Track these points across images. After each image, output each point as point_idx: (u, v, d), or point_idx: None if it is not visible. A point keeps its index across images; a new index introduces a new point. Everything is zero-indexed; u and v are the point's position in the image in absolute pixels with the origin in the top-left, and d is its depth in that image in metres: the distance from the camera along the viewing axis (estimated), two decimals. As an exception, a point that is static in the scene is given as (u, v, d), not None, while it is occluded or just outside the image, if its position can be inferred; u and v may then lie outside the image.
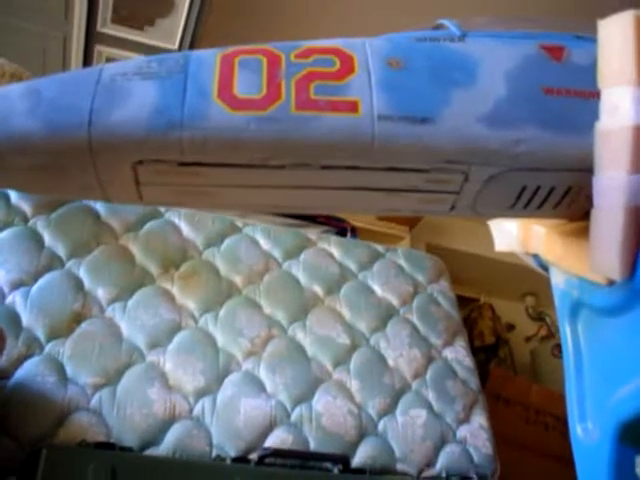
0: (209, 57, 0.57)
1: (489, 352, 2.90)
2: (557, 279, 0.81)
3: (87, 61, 1.96)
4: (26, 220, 1.47)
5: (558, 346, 2.97)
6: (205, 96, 0.54)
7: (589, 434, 0.71)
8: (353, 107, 0.55)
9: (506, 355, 2.97)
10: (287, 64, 0.57)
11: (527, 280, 3.10)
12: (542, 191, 0.62)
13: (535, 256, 0.84)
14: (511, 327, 3.25)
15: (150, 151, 0.53)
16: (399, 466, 1.41)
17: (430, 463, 1.44)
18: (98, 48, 1.96)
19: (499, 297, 3.24)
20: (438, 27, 0.65)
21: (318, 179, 0.56)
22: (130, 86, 0.54)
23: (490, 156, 0.56)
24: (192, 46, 2.00)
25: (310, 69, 0.56)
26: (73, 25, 1.88)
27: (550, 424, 2.12)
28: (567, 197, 0.63)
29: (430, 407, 1.52)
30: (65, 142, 0.53)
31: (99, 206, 1.56)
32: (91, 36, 1.92)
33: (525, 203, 0.64)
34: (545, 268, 0.85)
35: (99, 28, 1.91)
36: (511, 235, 0.83)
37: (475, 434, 1.51)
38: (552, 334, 3.21)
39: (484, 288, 3.13)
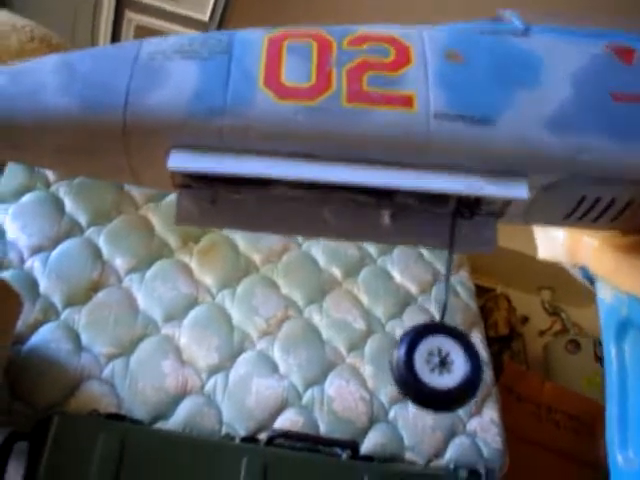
0: (255, 39, 0.53)
1: (502, 343, 2.87)
2: (604, 294, 0.77)
3: (116, 28, 1.94)
4: (48, 185, 1.46)
5: (572, 342, 2.94)
6: (250, 82, 0.51)
7: (631, 463, 0.68)
8: (408, 102, 0.51)
9: (519, 348, 2.94)
10: (339, 51, 0.53)
11: (545, 274, 3.07)
12: (601, 203, 0.57)
13: (582, 268, 0.80)
14: (525, 320, 3.22)
15: (187, 137, 0.50)
16: (408, 455, 1.40)
17: (439, 454, 1.43)
18: (128, 15, 1.93)
19: (515, 289, 3.20)
20: (498, 19, 0.61)
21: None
22: (170, 66, 0.51)
23: (551, 163, 0.52)
24: (223, 17, 1.96)
25: (363, 58, 0.52)
26: (104, -11, 1.85)
27: (561, 422, 2.11)
28: (627, 210, 0.59)
29: (442, 398, 1.50)
30: (98, 122, 0.50)
31: (122, 176, 1.55)
32: (122, 2, 1.89)
33: (581, 214, 0.59)
34: (592, 281, 0.81)
35: (130, -6, 1.89)
36: (558, 244, 0.79)
37: (486, 428, 1.50)
38: (566, 329, 3.17)
39: (501, 279, 3.10)
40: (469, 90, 0.52)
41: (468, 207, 0.54)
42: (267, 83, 0.50)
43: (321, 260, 1.66)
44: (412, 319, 1.62)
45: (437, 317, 1.62)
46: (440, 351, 0.52)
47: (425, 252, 1.82)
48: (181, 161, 0.49)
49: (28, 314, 1.25)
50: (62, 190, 1.46)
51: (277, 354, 1.42)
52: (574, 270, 0.82)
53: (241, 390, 1.33)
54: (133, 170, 0.53)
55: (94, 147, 0.52)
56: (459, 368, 0.52)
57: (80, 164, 0.56)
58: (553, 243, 0.80)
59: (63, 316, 1.29)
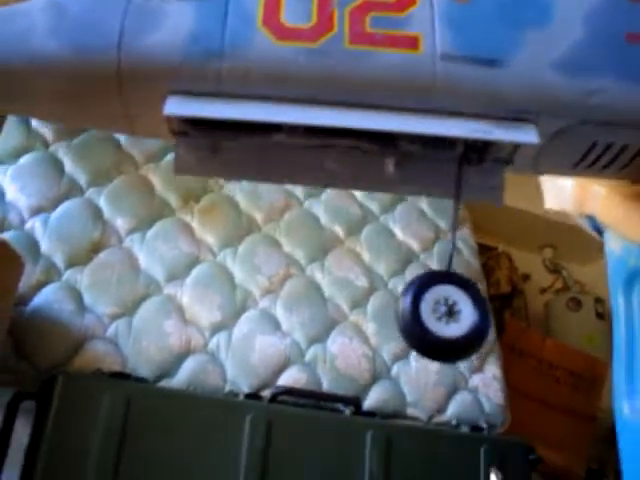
0: None
1: (504, 301, 2.88)
2: (613, 245, 0.76)
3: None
4: (47, 145, 1.45)
5: (573, 299, 2.95)
6: (249, 23, 0.49)
7: (638, 413, 0.68)
8: (413, 43, 0.49)
9: (520, 306, 2.95)
10: None
11: (546, 232, 3.07)
12: (613, 149, 0.56)
13: (590, 218, 0.78)
14: (526, 277, 3.23)
15: (184, 81, 0.48)
16: (410, 411, 1.41)
17: (441, 409, 1.44)
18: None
19: (517, 247, 3.20)
20: None
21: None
22: (166, 7, 0.49)
23: (562, 107, 0.50)
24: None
25: None
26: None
27: (562, 378, 2.12)
28: (638, 158, 0.57)
29: (445, 354, 1.51)
30: (91, 66, 0.48)
31: (121, 134, 1.53)
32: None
33: (591, 162, 0.58)
34: (600, 232, 0.80)
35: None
36: (565, 193, 0.78)
37: (488, 383, 1.51)
38: (568, 287, 3.18)
39: (503, 237, 3.09)
40: (477, 30, 0.51)
41: (475, 153, 0.53)
42: (266, 23, 0.49)
43: (323, 218, 1.65)
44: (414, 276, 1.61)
45: (439, 274, 1.62)
46: (447, 300, 0.52)
47: (427, 209, 1.81)
48: (178, 106, 0.48)
49: (30, 275, 1.24)
50: (61, 150, 1.45)
51: (280, 312, 1.42)
52: (581, 220, 0.81)
53: (244, 348, 1.33)
54: (128, 117, 0.51)
55: (87, 92, 0.50)
56: (466, 317, 0.51)
57: (74, 112, 0.54)
58: (561, 193, 0.79)
59: (65, 277, 1.29)
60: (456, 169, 0.53)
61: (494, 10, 0.51)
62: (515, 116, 0.50)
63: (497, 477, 1.25)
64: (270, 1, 0.50)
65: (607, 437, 2.67)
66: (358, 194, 1.75)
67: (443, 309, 0.52)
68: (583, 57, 0.50)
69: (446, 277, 0.54)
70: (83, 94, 0.50)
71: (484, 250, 2.95)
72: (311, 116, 0.48)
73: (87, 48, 0.48)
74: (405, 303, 0.52)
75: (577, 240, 3.02)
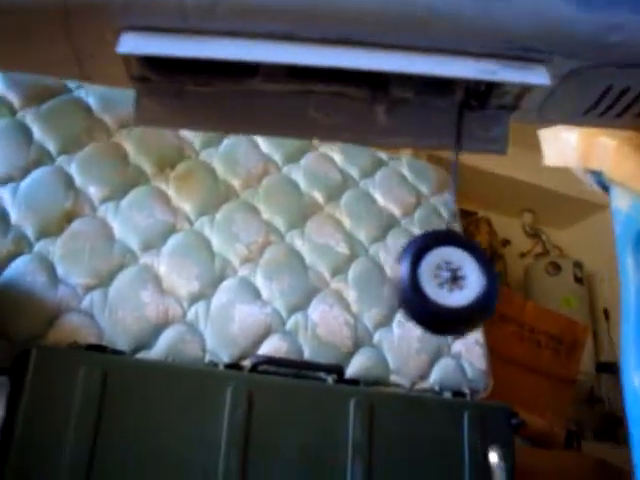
0: None
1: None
2: (620, 202, 0.72)
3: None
4: (13, 112, 1.39)
5: (552, 264, 2.96)
6: None
7: None
8: None
9: (500, 270, 2.96)
10: None
11: (526, 196, 3.06)
12: (629, 95, 0.51)
13: (595, 174, 0.74)
14: (506, 242, 3.23)
15: (141, 14, 0.42)
16: (393, 378, 1.40)
17: (424, 376, 1.44)
18: None
19: (496, 212, 3.20)
20: None
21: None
22: None
23: (578, 44, 0.45)
24: None
25: None
26: None
27: (543, 342, 2.13)
28: None
29: (427, 320, 1.49)
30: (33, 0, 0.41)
31: (91, 99, 1.48)
32: None
33: (604, 109, 0.53)
34: (605, 188, 0.75)
35: None
36: (569, 147, 0.73)
37: (470, 349, 1.50)
38: (547, 251, 3.19)
39: (482, 202, 3.08)
40: None
41: (477, 98, 0.48)
42: None
43: (302, 184, 1.62)
44: (396, 242, 1.60)
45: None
46: (449, 264, 0.47)
47: (408, 174, 1.79)
48: (135, 44, 0.41)
49: (0, 247, 1.20)
50: (29, 117, 1.39)
51: (259, 280, 1.40)
52: (585, 176, 0.77)
53: (224, 317, 1.31)
54: (80, 59, 0.45)
55: (30, 30, 0.44)
56: (472, 283, 0.46)
57: (19, 53, 0.48)
58: (563, 147, 0.74)
59: (37, 248, 1.25)
60: (455, 117, 0.49)
61: None
62: (523, 55, 0.45)
63: (497, 456, 1.24)
64: None
65: (585, 399, 2.72)
66: (337, 158, 1.72)
67: (446, 275, 0.47)
68: None
69: (448, 238, 0.49)
70: (25, 32, 0.44)
71: (464, 215, 2.94)
72: (289, 54, 0.42)
73: None
74: (402, 268, 0.46)
75: (556, 204, 3.03)
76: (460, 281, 0.46)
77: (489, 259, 0.48)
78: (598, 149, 0.69)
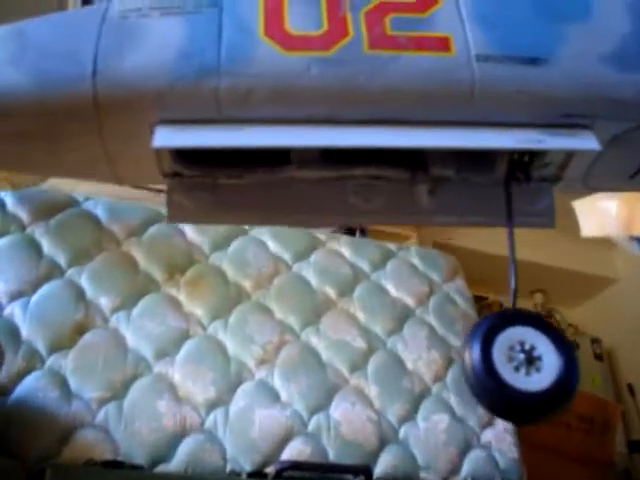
0: None
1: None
2: None
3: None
4: (23, 228, 1.40)
5: (570, 343, 2.90)
6: (248, 33, 0.42)
7: None
8: (443, 45, 0.43)
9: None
10: None
11: (536, 277, 3.03)
12: None
13: (639, 240, 0.72)
14: (521, 325, 3.18)
15: (175, 107, 0.41)
16: (423, 474, 1.34)
17: (455, 470, 1.37)
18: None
19: (507, 295, 3.16)
20: None
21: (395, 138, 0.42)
22: (147, 23, 0.42)
23: (621, 106, 0.45)
24: None
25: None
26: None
27: (573, 424, 2.06)
28: None
29: (452, 411, 1.45)
30: (60, 98, 0.41)
31: (99, 210, 1.50)
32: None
33: None
34: None
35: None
36: (608, 216, 0.72)
37: (500, 438, 1.45)
38: (562, 330, 3.14)
39: (492, 286, 3.05)
40: (512, 28, 0.45)
41: (521, 171, 0.47)
42: (269, 32, 0.42)
43: (313, 280, 1.61)
44: (413, 333, 1.57)
45: (437, 328, 1.57)
46: (523, 345, 0.44)
47: (418, 263, 1.78)
48: (169, 137, 0.40)
49: (11, 364, 1.18)
50: (38, 231, 1.40)
51: (277, 382, 1.36)
52: (630, 243, 0.75)
53: (243, 423, 1.26)
54: (110, 158, 0.44)
55: (59, 131, 0.43)
56: (550, 364, 0.43)
57: (45, 156, 0.47)
58: (602, 216, 0.73)
59: (49, 362, 1.23)
60: (500, 192, 0.48)
61: (527, 6, 0.46)
62: (566, 122, 0.45)
63: None
64: (271, 8, 0.43)
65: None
66: (346, 253, 1.72)
67: (521, 357, 0.44)
68: (636, 49, 0.45)
69: (518, 317, 0.46)
70: (53, 134, 0.43)
71: (475, 301, 2.91)
72: (329, 137, 0.41)
73: (54, 77, 0.41)
74: (473, 353, 0.44)
75: (567, 282, 3.01)
76: (537, 362, 0.44)
77: (563, 335, 0.46)
78: None
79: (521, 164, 0.47)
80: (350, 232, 2.02)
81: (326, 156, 0.45)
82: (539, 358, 0.44)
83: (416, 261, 1.78)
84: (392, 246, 1.82)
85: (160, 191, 1.95)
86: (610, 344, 2.94)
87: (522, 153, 0.46)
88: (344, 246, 1.74)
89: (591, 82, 0.44)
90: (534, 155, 0.47)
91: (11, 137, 0.44)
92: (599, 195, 0.71)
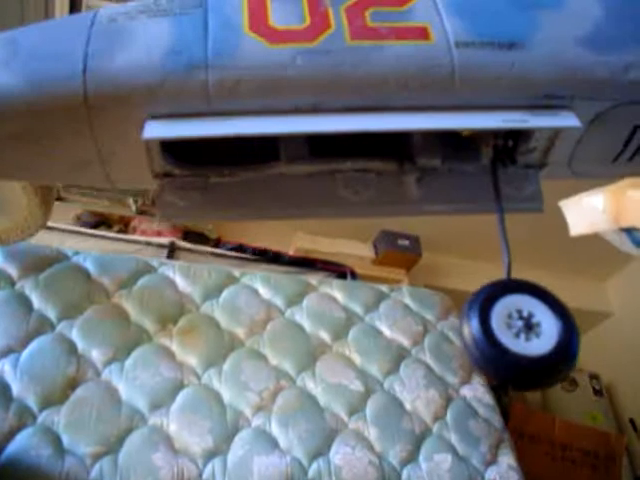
0: None
1: (498, 388, 2.79)
2: None
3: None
4: (12, 284, 1.39)
5: (568, 380, 2.87)
6: (234, 29, 0.44)
7: None
8: (422, 33, 0.45)
9: (517, 395, 2.87)
10: None
11: (530, 315, 3.04)
12: None
13: (629, 232, 0.71)
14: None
15: (165, 101, 0.43)
16: (428, 517, 1.31)
17: (460, 511, 1.34)
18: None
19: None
20: None
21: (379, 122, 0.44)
22: (135, 25, 0.44)
23: (598, 85, 0.47)
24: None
25: None
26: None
27: (578, 459, 2.02)
28: None
29: (454, 450, 1.42)
30: (52, 97, 0.42)
31: (89, 264, 1.49)
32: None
33: (633, 152, 0.53)
34: None
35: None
36: (595, 211, 0.72)
37: (505, 475, 1.41)
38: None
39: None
40: (487, 16, 0.47)
41: (506, 155, 0.48)
42: (254, 28, 0.44)
43: (307, 325, 1.59)
44: (410, 373, 1.55)
45: (433, 367, 1.56)
46: (520, 312, 0.45)
47: (411, 303, 1.77)
48: (159, 129, 0.42)
49: (2, 422, 1.15)
50: (28, 286, 1.39)
51: (275, 428, 1.33)
52: (618, 237, 0.75)
53: (242, 472, 1.23)
54: (102, 158, 0.45)
55: (51, 131, 0.44)
56: (549, 329, 0.43)
57: (34, 159, 0.48)
58: (590, 212, 0.73)
59: (40, 419, 1.20)
60: (487, 180, 0.49)
61: None
62: (546, 103, 0.46)
63: None
64: (254, 7, 0.45)
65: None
66: (339, 296, 1.71)
67: (519, 323, 0.44)
68: (609, 32, 0.47)
69: (512, 286, 0.47)
70: (45, 135, 0.44)
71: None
72: (316, 124, 0.42)
73: (45, 77, 0.42)
74: (472, 323, 0.44)
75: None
76: (536, 328, 0.44)
77: (559, 300, 0.46)
78: (628, 204, 0.68)
79: (505, 150, 0.48)
80: (342, 277, 2.02)
81: (315, 151, 0.46)
82: (538, 324, 0.44)
83: (409, 301, 1.78)
84: (384, 287, 1.82)
85: (149, 244, 1.95)
86: (609, 379, 2.92)
87: (506, 138, 0.48)
88: (336, 289, 1.74)
89: (568, 64, 0.46)
90: (518, 139, 0.48)
91: (3, 138, 0.44)
92: (584, 193, 0.71)
